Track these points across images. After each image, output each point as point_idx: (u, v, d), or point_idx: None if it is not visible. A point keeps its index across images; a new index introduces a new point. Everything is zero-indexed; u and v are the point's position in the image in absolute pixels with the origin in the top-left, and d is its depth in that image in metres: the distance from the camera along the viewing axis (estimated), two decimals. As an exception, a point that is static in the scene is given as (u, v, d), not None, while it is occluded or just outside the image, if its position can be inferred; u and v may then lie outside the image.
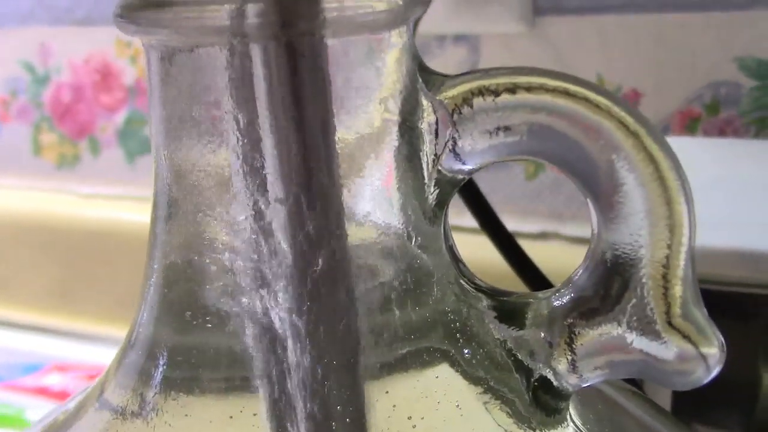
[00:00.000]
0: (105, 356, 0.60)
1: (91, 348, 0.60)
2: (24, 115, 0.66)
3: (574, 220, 0.51)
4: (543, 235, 0.52)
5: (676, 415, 0.30)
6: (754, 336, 0.31)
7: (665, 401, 0.30)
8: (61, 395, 0.53)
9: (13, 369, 0.57)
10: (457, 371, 0.16)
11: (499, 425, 0.16)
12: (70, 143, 0.65)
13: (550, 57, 0.49)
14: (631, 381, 0.22)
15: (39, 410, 0.51)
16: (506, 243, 0.26)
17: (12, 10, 0.63)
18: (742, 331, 0.30)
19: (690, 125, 0.47)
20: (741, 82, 0.46)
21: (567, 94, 0.15)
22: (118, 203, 0.63)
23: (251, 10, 0.14)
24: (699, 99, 0.47)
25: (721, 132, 0.47)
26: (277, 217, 0.15)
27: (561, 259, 0.43)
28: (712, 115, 0.47)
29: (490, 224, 0.26)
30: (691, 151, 0.41)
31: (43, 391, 0.54)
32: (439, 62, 0.52)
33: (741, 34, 0.45)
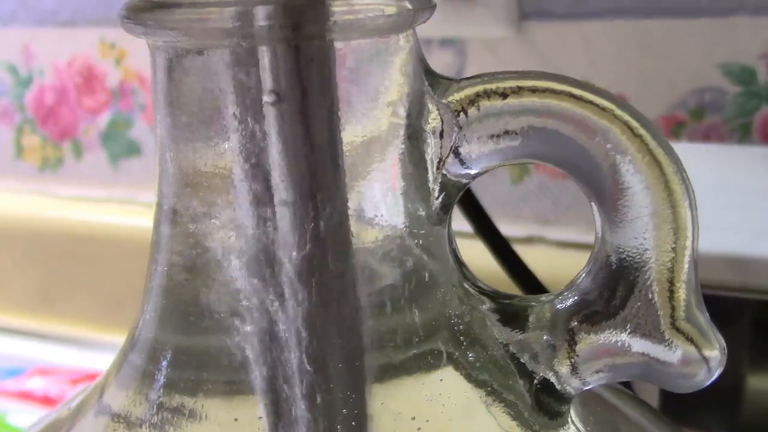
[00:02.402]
0: (88, 360, 0.60)
1: (74, 352, 0.60)
2: (6, 117, 0.65)
3: (560, 225, 0.51)
4: (529, 240, 0.52)
5: (659, 411, 0.30)
6: (738, 339, 0.31)
7: (652, 403, 0.30)
8: (44, 399, 0.53)
9: (-5, 373, 0.57)
10: (461, 374, 0.16)
11: (503, 428, 0.16)
12: (52, 146, 0.64)
13: (536, 62, 0.50)
14: (622, 382, 0.22)
15: (22, 414, 0.51)
16: (501, 248, 0.26)
17: (-6, 11, 0.63)
18: (727, 335, 0.30)
19: (675, 130, 0.48)
20: (725, 88, 0.46)
21: (572, 97, 0.15)
22: (101, 206, 0.63)
23: (260, 12, 0.14)
24: (683, 105, 0.47)
25: (706, 137, 0.47)
26: (283, 219, 0.15)
27: (547, 263, 0.43)
28: (697, 120, 0.47)
29: (485, 228, 0.26)
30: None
31: (26, 396, 0.53)
32: (425, 66, 0.52)
33: (725, 40, 0.46)
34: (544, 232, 0.52)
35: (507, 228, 0.51)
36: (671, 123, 0.48)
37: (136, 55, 0.60)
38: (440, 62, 0.52)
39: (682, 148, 0.44)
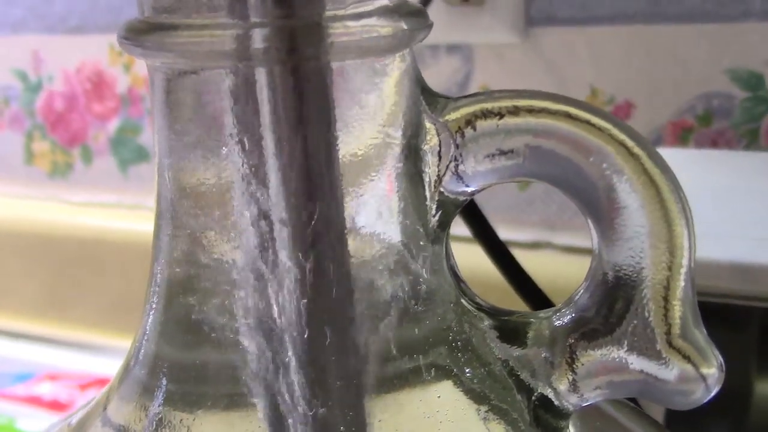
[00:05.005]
0: (96, 365, 0.60)
1: (83, 357, 0.60)
2: (16, 123, 0.66)
3: (566, 230, 0.51)
4: (535, 245, 0.52)
5: (669, 426, 0.30)
6: (745, 347, 0.31)
7: (658, 412, 0.30)
8: (53, 404, 0.53)
9: (5, 378, 0.57)
10: (459, 390, 0.16)
11: (501, 445, 0.16)
12: (62, 151, 0.65)
13: (543, 68, 0.50)
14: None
15: (31, 419, 0.51)
16: (504, 258, 0.26)
17: (4, 18, 0.63)
18: (734, 343, 0.30)
19: (682, 136, 0.48)
20: (733, 94, 0.46)
21: (569, 117, 0.15)
22: (110, 211, 0.63)
23: (257, 34, 0.14)
24: (691, 110, 0.47)
25: (714, 143, 0.47)
26: (280, 236, 0.15)
27: (553, 268, 0.44)
28: (705, 126, 0.47)
29: (488, 239, 0.26)
30: (683, 162, 0.41)
31: (34, 400, 0.54)
32: (432, 72, 0.52)
33: (733, 45, 0.46)
34: (551, 237, 0.52)
35: (514, 233, 0.51)
36: (679, 128, 0.48)
37: (145, 61, 0.60)
38: (447, 68, 0.52)
39: (689, 155, 0.44)
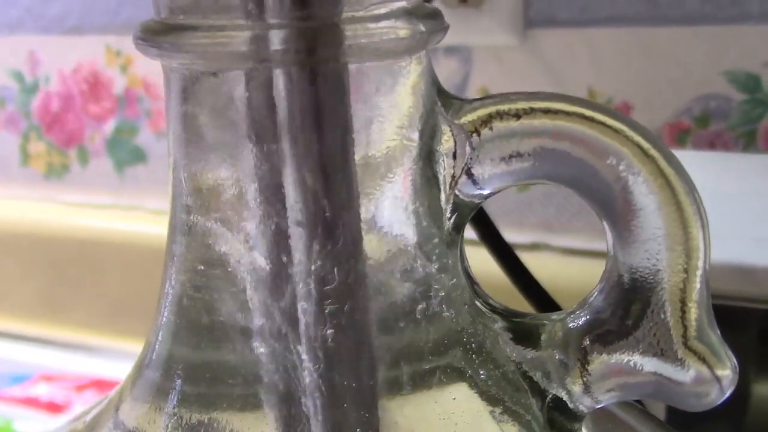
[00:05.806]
0: (92, 366, 0.60)
1: (79, 358, 0.60)
2: (12, 124, 0.65)
3: (565, 232, 0.52)
4: (534, 246, 0.52)
5: (669, 425, 0.30)
6: (743, 349, 0.31)
7: (659, 410, 0.30)
8: (50, 406, 0.53)
9: (1, 379, 0.57)
10: (473, 392, 0.16)
11: (515, 446, 0.16)
12: (58, 152, 0.64)
13: (541, 69, 0.50)
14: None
15: (28, 421, 0.51)
16: (509, 261, 0.26)
17: (0, 18, 0.63)
18: (733, 345, 0.30)
19: (680, 138, 0.48)
20: (731, 96, 0.46)
21: (584, 118, 0.15)
22: (107, 213, 0.63)
23: (275, 36, 0.14)
24: (689, 112, 0.47)
25: (711, 145, 0.47)
26: (296, 238, 0.15)
27: (552, 269, 0.44)
28: (702, 127, 0.47)
29: (494, 242, 0.26)
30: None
31: (31, 402, 0.54)
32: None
33: (730, 47, 0.46)
34: (549, 239, 0.52)
35: (512, 235, 0.51)
36: (676, 130, 0.48)
37: (142, 62, 0.60)
38: (446, 70, 0.52)
39: (686, 156, 0.44)
